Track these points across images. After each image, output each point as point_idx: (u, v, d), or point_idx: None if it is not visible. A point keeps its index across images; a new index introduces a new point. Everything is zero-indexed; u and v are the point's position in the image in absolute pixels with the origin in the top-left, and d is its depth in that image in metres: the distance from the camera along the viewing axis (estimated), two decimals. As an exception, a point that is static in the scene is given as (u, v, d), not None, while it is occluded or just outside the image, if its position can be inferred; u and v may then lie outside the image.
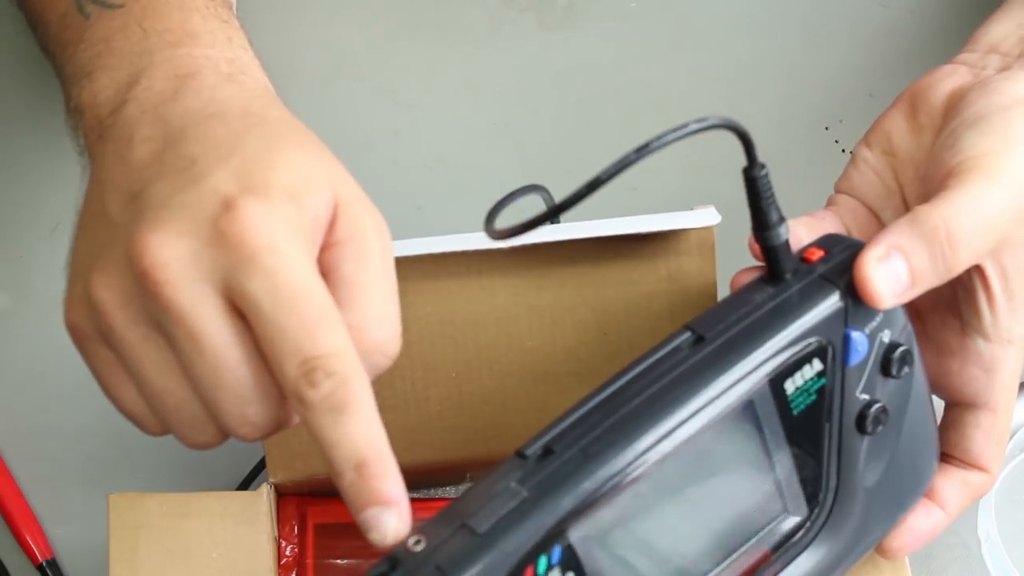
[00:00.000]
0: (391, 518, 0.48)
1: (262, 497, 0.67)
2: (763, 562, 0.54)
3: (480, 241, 0.66)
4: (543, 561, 0.50)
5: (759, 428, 0.53)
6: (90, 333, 0.51)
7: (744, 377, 0.52)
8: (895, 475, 0.56)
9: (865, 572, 0.63)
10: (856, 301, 0.54)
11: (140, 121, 0.54)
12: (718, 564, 0.53)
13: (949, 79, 0.63)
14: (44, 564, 0.78)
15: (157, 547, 0.66)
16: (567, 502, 0.49)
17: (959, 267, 0.56)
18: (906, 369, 0.55)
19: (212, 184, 0.50)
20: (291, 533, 0.69)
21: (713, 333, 0.53)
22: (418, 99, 0.82)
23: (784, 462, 0.54)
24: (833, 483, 0.54)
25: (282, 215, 0.49)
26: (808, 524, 0.54)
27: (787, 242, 0.55)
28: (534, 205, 0.74)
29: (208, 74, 0.56)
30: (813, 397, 0.54)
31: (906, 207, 0.62)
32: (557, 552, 0.50)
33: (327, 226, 0.51)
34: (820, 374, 0.54)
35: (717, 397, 0.52)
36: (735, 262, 0.61)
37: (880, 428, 0.55)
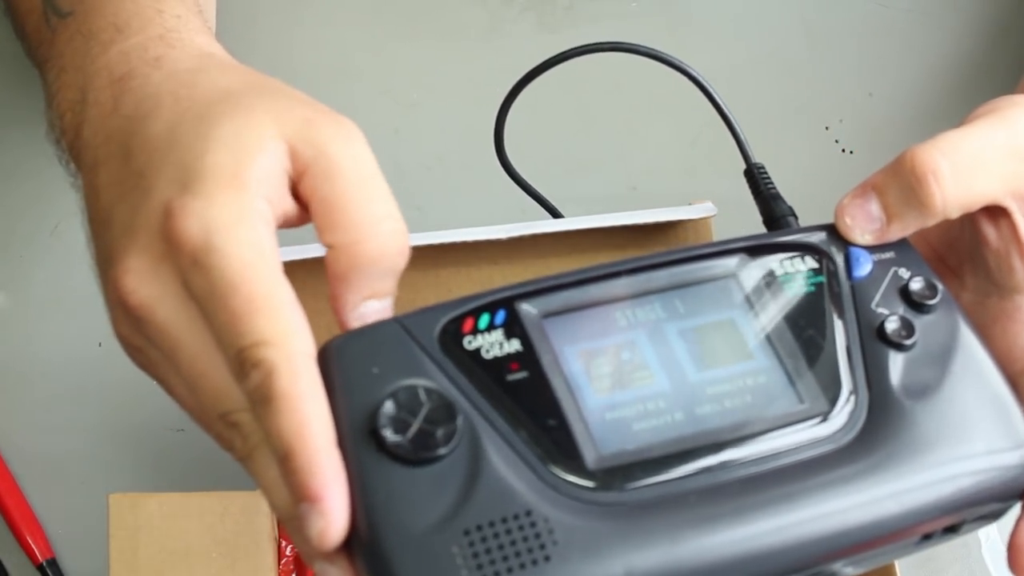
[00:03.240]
0: (314, 517, 0.46)
1: (262, 497, 0.67)
2: (792, 464, 0.52)
3: (477, 233, 0.66)
4: (485, 317, 0.52)
5: (747, 298, 0.55)
6: (133, 342, 0.52)
7: (730, 251, 0.56)
8: (950, 416, 0.54)
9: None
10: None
11: (94, 144, 0.55)
12: (728, 435, 0.52)
13: None
14: (44, 564, 0.78)
15: (157, 547, 0.66)
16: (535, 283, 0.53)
17: (937, 200, 0.55)
18: (934, 300, 0.55)
19: (157, 195, 0.50)
20: (291, 533, 0.69)
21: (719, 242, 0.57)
22: (418, 99, 0.82)
23: (787, 344, 0.54)
24: (863, 393, 0.54)
25: (218, 206, 0.49)
26: (835, 427, 0.53)
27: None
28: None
29: (139, 67, 0.55)
30: (811, 288, 0.55)
31: None
32: (501, 314, 0.52)
33: (289, 165, 0.51)
34: (815, 271, 0.56)
35: (698, 258, 0.55)
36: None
37: (907, 343, 0.54)
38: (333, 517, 0.47)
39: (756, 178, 0.62)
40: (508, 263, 0.68)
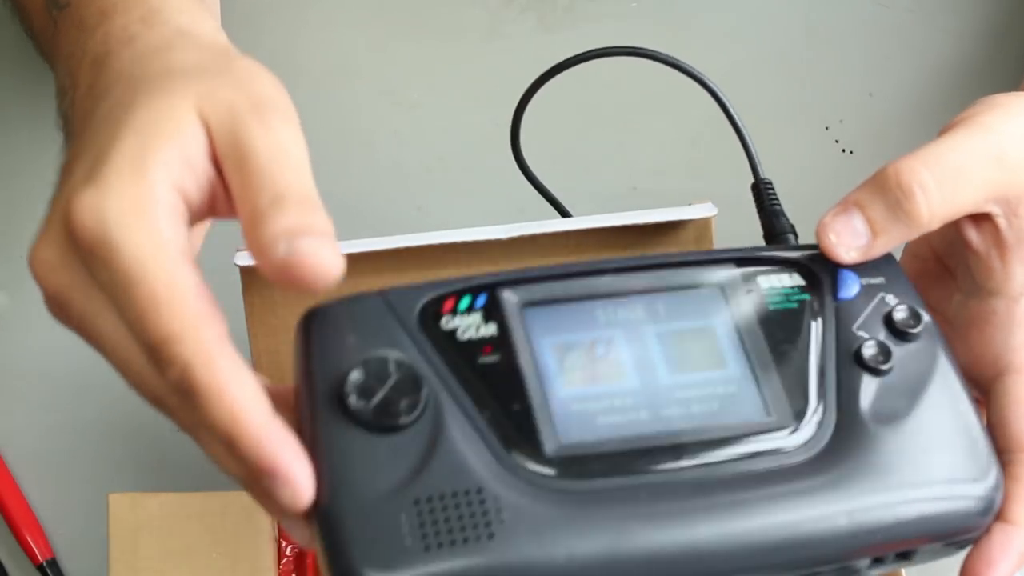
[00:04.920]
0: (279, 488, 0.47)
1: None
2: (750, 474, 0.52)
3: (478, 233, 0.66)
4: (466, 299, 0.53)
5: (730, 309, 0.55)
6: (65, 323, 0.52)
7: (720, 261, 0.56)
8: (914, 444, 0.54)
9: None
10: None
11: (73, 122, 0.55)
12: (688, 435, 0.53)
13: None
14: (44, 564, 0.78)
15: (157, 547, 0.66)
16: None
17: (924, 213, 0.55)
18: (915, 329, 0.55)
19: (71, 182, 0.49)
20: (291, 533, 0.69)
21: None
22: (419, 99, 0.82)
23: (762, 357, 0.54)
24: (832, 413, 0.54)
25: (114, 196, 0.47)
26: (798, 442, 0.53)
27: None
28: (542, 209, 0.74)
29: (115, 47, 0.55)
30: (794, 304, 0.55)
31: None
32: (482, 298, 0.53)
33: (209, 150, 0.50)
34: (802, 289, 0.56)
35: (687, 264, 0.56)
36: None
37: (882, 368, 0.55)
38: (297, 485, 0.47)
39: (762, 194, 0.62)
40: (509, 263, 0.68)
